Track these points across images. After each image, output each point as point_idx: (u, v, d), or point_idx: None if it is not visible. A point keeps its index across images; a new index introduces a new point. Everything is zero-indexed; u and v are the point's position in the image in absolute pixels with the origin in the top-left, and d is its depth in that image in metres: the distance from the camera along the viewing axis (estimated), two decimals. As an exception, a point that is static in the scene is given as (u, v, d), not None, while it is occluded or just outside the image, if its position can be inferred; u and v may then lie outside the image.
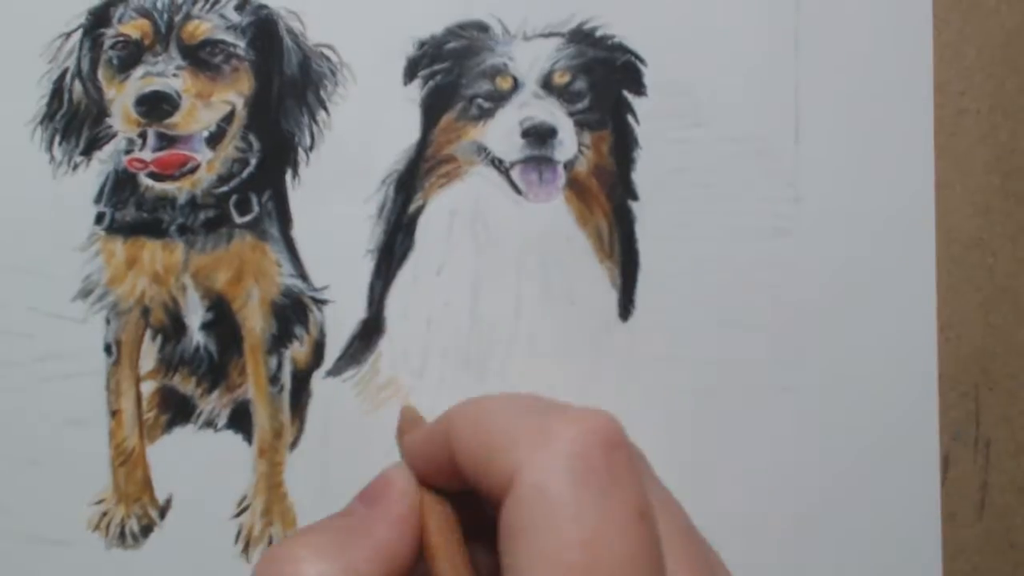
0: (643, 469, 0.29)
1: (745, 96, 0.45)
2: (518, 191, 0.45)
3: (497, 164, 0.45)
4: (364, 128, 0.45)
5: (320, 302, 0.45)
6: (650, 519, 0.25)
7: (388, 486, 0.29)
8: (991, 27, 0.45)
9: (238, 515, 0.44)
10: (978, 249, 0.45)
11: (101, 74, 0.45)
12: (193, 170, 0.44)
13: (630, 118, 0.45)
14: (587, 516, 0.24)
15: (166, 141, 0.44)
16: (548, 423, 0.26)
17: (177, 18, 0.44)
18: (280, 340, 0.45)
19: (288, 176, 0.45)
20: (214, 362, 0.45)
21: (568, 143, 0.45)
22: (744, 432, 0.44)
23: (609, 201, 0.45)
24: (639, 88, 0.45)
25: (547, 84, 0.45)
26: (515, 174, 0.45)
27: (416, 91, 0.45)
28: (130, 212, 0.44)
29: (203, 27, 0.44)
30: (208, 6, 0.45)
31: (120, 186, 0.44)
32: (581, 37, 0.45)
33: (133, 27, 0.44)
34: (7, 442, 0.43)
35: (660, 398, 0.44)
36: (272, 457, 0.44)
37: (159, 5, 0.44)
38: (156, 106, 0.44)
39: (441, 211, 0.45)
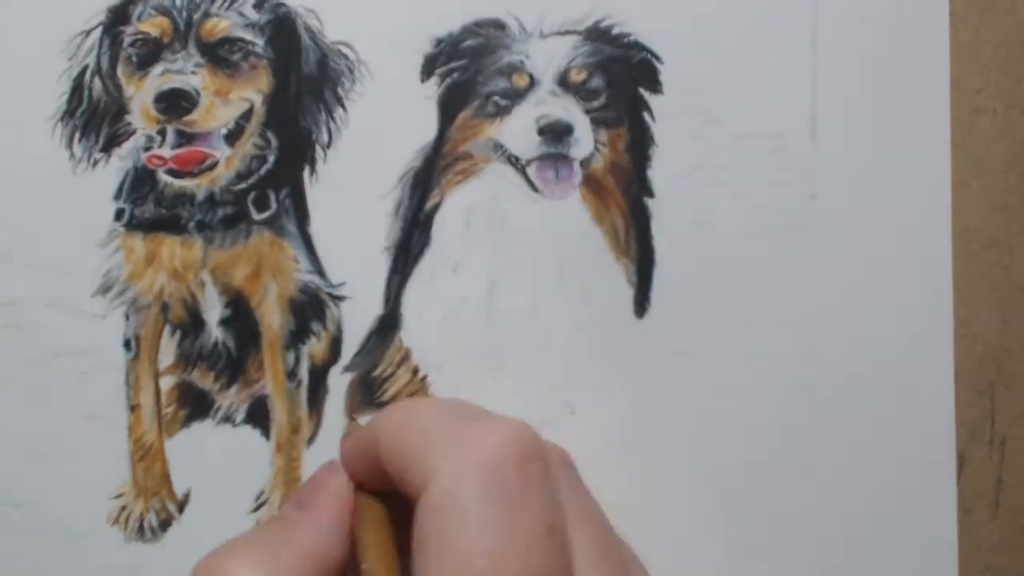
0: (564, 478, 0.27)
1: (761, 94, 0.45)
2: (534, 188, 0.45)
3: (513, 161, 0.45)
4: (381, 125, 0.45)
5: (337, 298, 0.45)
6: (559, 534, 0.25)
7: (319, 490, 0.29)
8: (1008, 25, 0.45)
9: (256, 510, 0.44)
10: (994, 248, 0.45)
11: (120, 71, 0.45)
12: (212, 167, 0.45)
13: (646, 116, 0.45)
14: (495, 528, 0.23)
15: (185, 138, 0.44)
16: (466, 431, 0.25)
17: (196, 16, 0.45)
18: (298, 336, 0.45)
19: (306, 173, 0.45)
20: (232, 358, 0.45)
21: (584, 140, 0.45)
22: (759, 430, 0.44)
23: (625, 198, 0.45)
24: (655, 86, 0.45)
25: (563, 82, 0.45)
26: (531, 171, 0.45)
27: (433, 88, 0.45)
28: (149, 209, 0.45)
29: (221, 25, 0.45)
30: (226, 4, 0.45)
31: (139, 183, 0.45)
32: (597, 35, 0.45)
33: (152, 25, 0.45)
34: (27, 437, 0.44)
35: (675, 396, 0.44)
36: (290, 452, 0.44)
37: (178, 3, 0.45)
38: (175, 103, 0.44)
39: (457, 208, 0.45)
